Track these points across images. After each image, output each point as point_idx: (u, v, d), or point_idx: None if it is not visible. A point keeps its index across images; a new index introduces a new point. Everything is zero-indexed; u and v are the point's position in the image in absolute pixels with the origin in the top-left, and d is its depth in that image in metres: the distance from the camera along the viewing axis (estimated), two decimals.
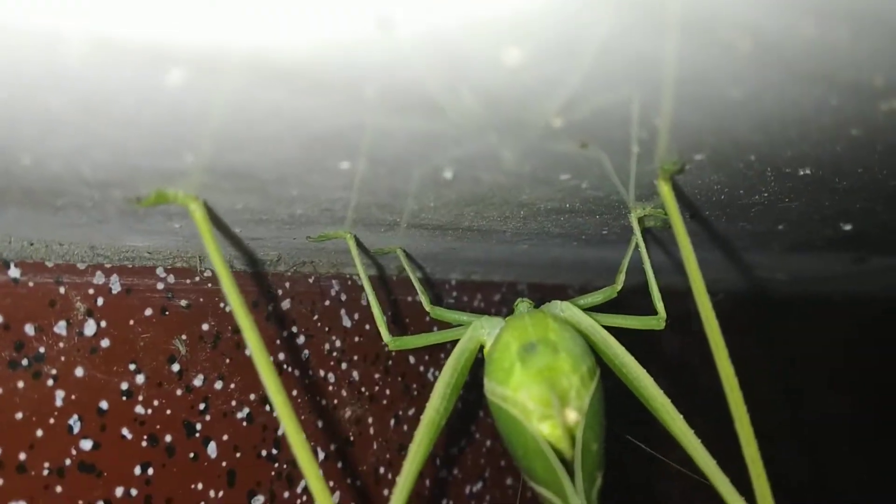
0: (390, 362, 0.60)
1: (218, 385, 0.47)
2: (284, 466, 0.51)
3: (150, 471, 0.44)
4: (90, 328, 0.42)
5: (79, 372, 0.41)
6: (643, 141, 0.31)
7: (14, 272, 0.39)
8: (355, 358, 0.57)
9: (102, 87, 0.22)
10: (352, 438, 0.56)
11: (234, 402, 0.48)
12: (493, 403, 0.38)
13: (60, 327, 0.40)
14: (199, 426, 0.46)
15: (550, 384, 0.36)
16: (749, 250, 0.66)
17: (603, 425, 0.38)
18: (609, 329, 0.41)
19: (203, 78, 0.22)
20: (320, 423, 0.54)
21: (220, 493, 0.47)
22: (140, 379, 0.43)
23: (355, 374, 0.57)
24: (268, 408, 0.50)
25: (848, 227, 0.55)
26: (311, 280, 0.54)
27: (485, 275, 0.69)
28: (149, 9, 0.19)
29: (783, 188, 0.41)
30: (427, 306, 0.46)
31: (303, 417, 0.52)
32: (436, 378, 0.40)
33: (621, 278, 0.45)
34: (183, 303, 0.46)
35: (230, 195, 0.34)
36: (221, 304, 0.48)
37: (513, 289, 0.73)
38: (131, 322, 0.44)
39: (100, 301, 0.42)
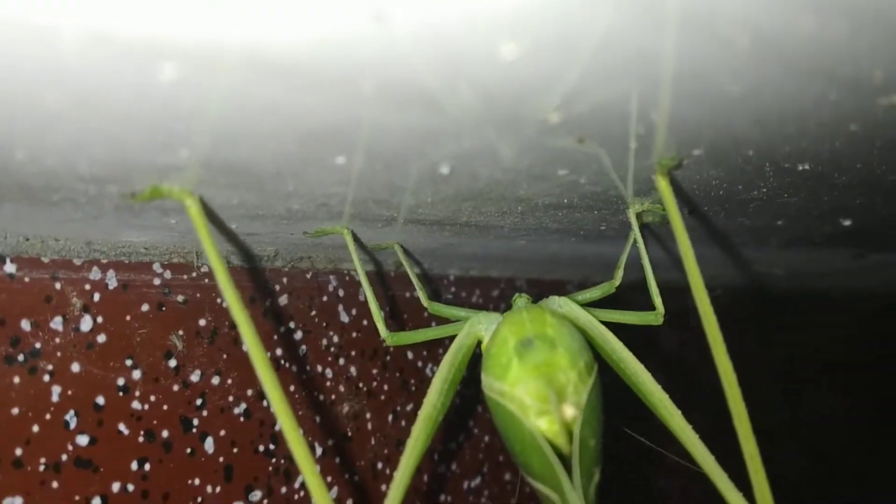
0: (388, 358, 0.60)
1: (215, 380, 0.47)
2: (282, 462, 0.50)
3: (147, 466, 0.44)
4: (86, 324, 0.42)
5: (75, 367, 0.41)
6: (641, 136, 0.31)
7: (10, 267, 0.39)
8: (353, 353, 0.57)
9: (98, 83, 0.22)
10: (349, 434, 0.56)
11: (231, 398, 0.48)
12: (491, 399, 0.38)
13: (57, 323, 0.40)
14: (196, 421, 0.46)
15: (548, 380, 0.36)
16: (747, 246, 0.66)
17: (601, 421, 0.38)
18: (607, 324, 0.41)
19: (199, 73, 0.22)
20: (318, 419, 0.54)
21: (218, 489, 0.47)
22: (137, 374, 0.43)
23: (353, 369, 0.56)
24: (265, 403, 0.50)
25: (847, 223, 0.55)
26: (308, 276, 0.54)
27: (483, 270, 0.69)
28: (145, 4, 0.19)
29: (782, 183, 0.41)
30: (425, 302, 0.46)
31: (300, 413, 0.52)
32: (434, 373, 0.40)
33: (619, 274, 0.45)
34: (180, 298, 0.46)
35: (226, 190, 0.34)
36: (218, 300, 0.48)
37: (511, 284, 0.73)
38: (128, 318, 0.43)
39: (96, 296, 0.42)
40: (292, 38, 0.21)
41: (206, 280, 0.47)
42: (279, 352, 0.51)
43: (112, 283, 0.43)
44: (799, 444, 1.02)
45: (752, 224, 0.54)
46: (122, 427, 0.43)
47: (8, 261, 0.39)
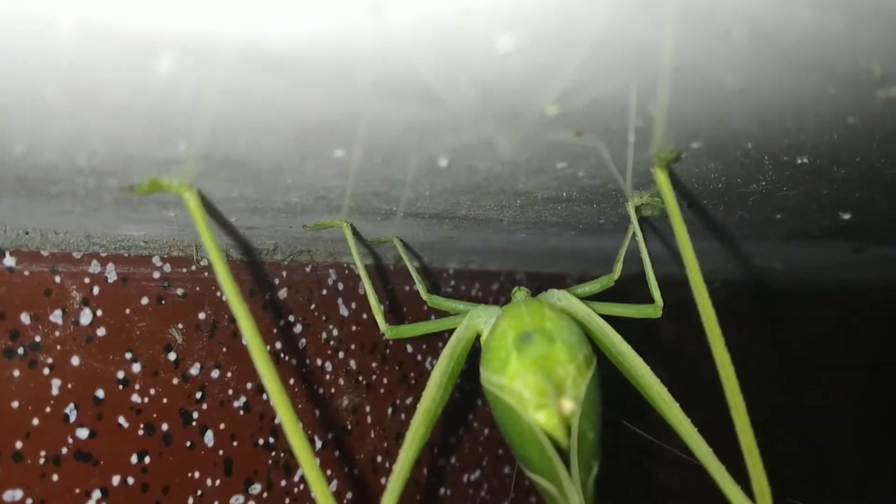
0: (388, 351, 0.60)
1: (215, 374, 0.47)
2: (282, 455, 0.51)
3: (147, 459, 0.44)
4: (86, 317, 0.42)
5: (75, 361, 0.41)
6: (640, 129, 0.31)
7: (9, 261, 0.39)
8: (352, 347, 0.57)
9: (95, 75, 0.22)
10: (349, 427, 0.56)
11: (230, 391, 0.48)
12: (490, 392, 0.38)
13: (56, 316, 0.40)
14: (195, 415, 0.46)
15: (546, 373, 0.36)
16: (747, 239, 0.66)
17: (599, 414, 0.38)
18: (606, 318, 0.41)
19: (196, 66, 0.22)
20: (317, 412, 0.54)
21: (217, 482, 0.47)
22: (136, 368, 0.43)
23: (352, 363, 0.57)
24: (264, 397, 0.50)
25: (847, 216, 0.55)
26: (308, 269, 0.54)
27: (482, 264, 0.69)
28: None
29: (781, 177, 0.41)
30: (424, 295, 0.46)
31: (300, 406, 0.53)
32: (433, 367, 0.40)
33: (618, 267, 0.45)
34: (179, 292, 0.46)
35: (225, 184, 0.34)
36: (218, 293, 0.48)
37: (511, 278, 0.73)
38: (127, 311, 0.43)
39: (96, 290, 0.42)
40: (290, 32, 0.21)
41: (206, 273, 0.48)
42: (279, 345, 0.52)
43: (111, 277, 0.43)
44: (797, 436, 1.02)
45: (751, 217, 0.54)
46: (121, 420, 0.43)
47: (7, 254, 0.39)
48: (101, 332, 0.42)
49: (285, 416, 0.31)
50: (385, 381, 0.59)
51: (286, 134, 0.28)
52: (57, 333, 0.40)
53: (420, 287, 0.46)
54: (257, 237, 0.47)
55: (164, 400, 0.45)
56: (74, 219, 0.38)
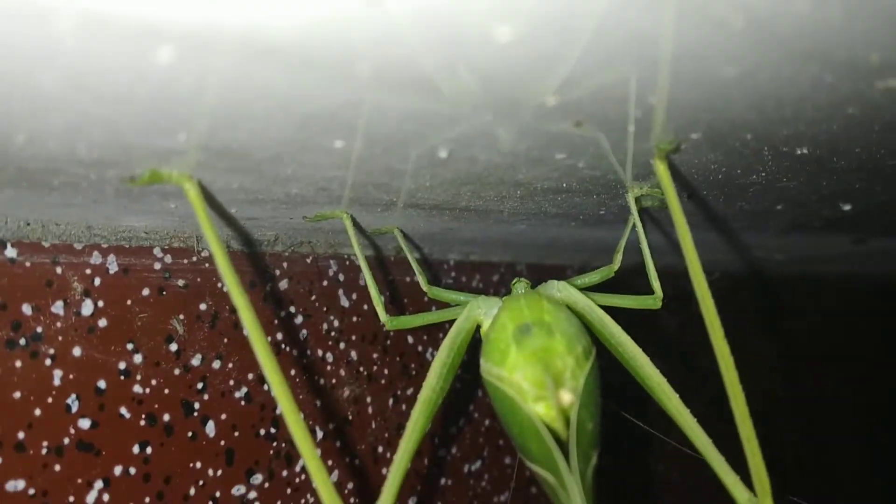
0: (388, 342, 0.60)
1: (216, 364, 0.47)
2: (283, 445, 0.51)
3: (149, 450, 0.44)
4: (87, 308, 0.42)
5: (76, 351, 0.41)
6: (639, 119, 0.31)
7: (11, 252, 0.39)
8: (353, 338, 0.57)
9: (95, 65, 0.22)
10: (350, 418, 0.56)
11: (232, 382, 0.48)
12: (490, 383, 0.38)
13: (58, 307, 0.41)
14: (197, 405, 0.46)
15: (545, 365, 0.36)
16: (747, 230, 0.66)
17: (598, 405, 0.38)
18: (606, 309, 0.41)
19: (195, 55, 0.22)
20: (318, 403, 0.54)
21: (219, 472, 0.47)
22: (138, 358, 0.44)
23: (353, 353, 0.57)
24: (266, 387, 0.50)
25: (847, 208, 0.55)
26: (308, 260, 0.54)
27: (483, 255, 0.69)
28: None
29: (781, 168, 0.41)
30: (424, 286, 0.46)
31: (301, 397, 0.53)
32: (434, 357, 0.40)
33: (618, 258, 0.45)
34: (180, 283, 0.46)
35: (225, 174, 0.34)
36: (219, 284, 0.48)
37: (511, 269, 0.73)
38: (129, 302, 0.44)
39: (97, 281, 0.42)
40: (289, 20, 0.21)
41: (207, 264, 0.48)
42: (279, 336, 0.52)
43: (113, 268, 0.43)
44: (796, 427, 1.02)
45: (751, 208, 0.54)
46: (123, 411, 0.43)
47: (9, 245, 0.39)
48: (102, 322, 0.42)
49: (286, 406, 0.31)
50: (386, 371, 0.59)
51: (286, 123, 0.28)
52: (58, 324, 0.40)
53: (420, 278, 0.46)
54: (258, 228, 0.47)
55: (166, 390, 0.45)
56: (75, 210, 0.38)
